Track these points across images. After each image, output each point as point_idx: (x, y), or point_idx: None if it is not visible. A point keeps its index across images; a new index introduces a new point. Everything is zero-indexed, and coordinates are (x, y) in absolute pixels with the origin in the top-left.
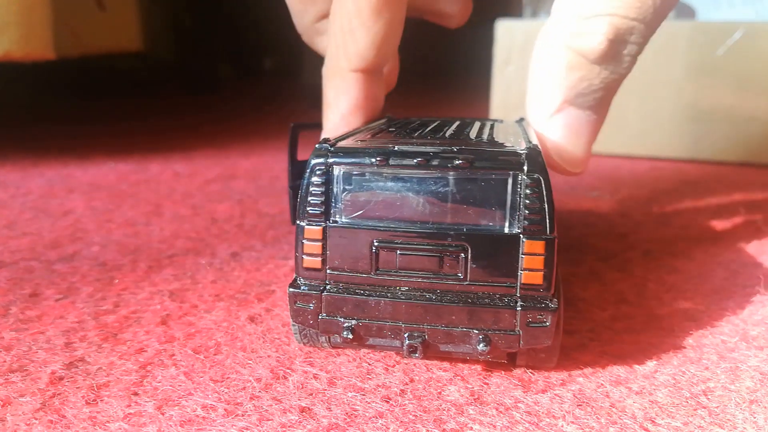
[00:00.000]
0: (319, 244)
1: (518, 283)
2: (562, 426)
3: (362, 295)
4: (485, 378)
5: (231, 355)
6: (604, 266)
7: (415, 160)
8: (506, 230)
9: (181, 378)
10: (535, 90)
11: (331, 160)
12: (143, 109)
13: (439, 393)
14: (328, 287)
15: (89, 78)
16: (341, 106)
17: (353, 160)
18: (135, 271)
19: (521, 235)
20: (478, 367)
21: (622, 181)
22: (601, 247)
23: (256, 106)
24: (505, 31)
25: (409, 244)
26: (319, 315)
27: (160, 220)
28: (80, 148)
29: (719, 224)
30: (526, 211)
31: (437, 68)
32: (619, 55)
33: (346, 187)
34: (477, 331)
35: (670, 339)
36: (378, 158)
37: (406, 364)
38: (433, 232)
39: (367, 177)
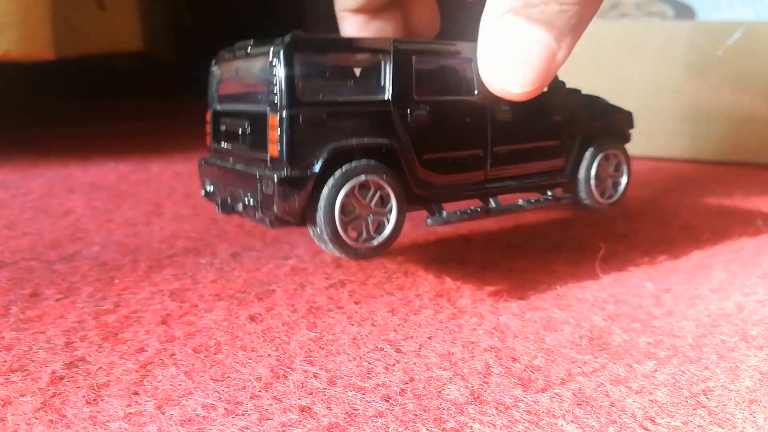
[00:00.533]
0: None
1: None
2: (562, 425)
3: None
4: (485, 377)
5: (231, 355)
6: (603, 266)
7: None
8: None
9: (182, 377)
10: None
11: None
12: (143, 109)
13: (439, 392)
14: None
15: (89, 78)
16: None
17: None
18: (135, 271)
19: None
20: (478, 366)
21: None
22: (601, 247)
23: None
24: None
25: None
26: None
27: (161, 220)
28: (80, 148)
29: (719, 224)
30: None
31: None
32: None
33: None
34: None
35: (669, 339)
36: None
37: (406, 363)
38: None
39: None
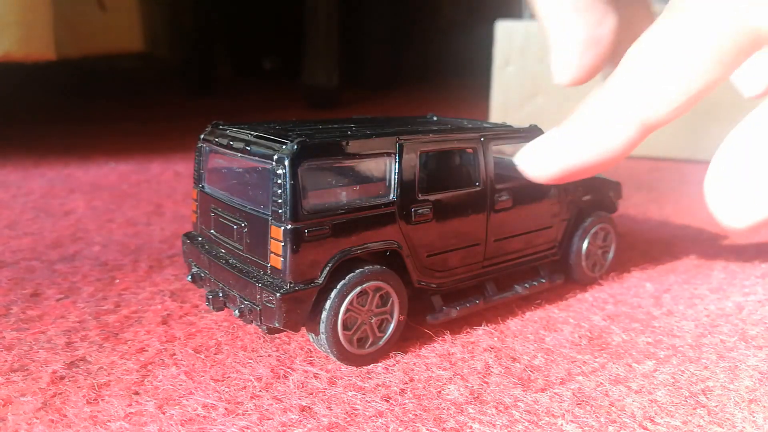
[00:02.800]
0: None
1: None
2: (562, 425)
3: None
4: (485, 377)
5: (231, 355)
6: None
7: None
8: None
9: (182, 377)
10: None
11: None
12: (144, 109)
13: (439, 392)
14: None
15: (90, 78)
16: (592, 145)
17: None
18: (136, 271)
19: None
20: (478, 366)
21: (622, 181)
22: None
23: (256, 106)
24: (505, 31)
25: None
26: None
27: (161, 220)
28: (81, 149)
29: (719, 224)
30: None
31: (438, 68)
32: None
33: None
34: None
35: (669, 339)
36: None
37: (406, 363)
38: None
39: None
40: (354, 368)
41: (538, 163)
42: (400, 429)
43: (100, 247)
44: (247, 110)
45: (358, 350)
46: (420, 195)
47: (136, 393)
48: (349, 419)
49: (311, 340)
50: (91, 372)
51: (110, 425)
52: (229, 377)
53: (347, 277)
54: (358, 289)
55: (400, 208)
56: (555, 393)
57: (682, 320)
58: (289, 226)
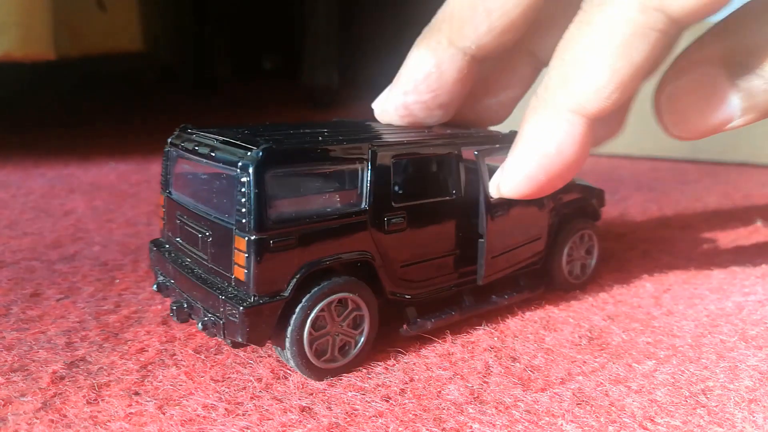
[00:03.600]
0: None
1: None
2: (562, 425)
3: None
4: (485, 377)
5: (232, 355)
6: (602, 266)
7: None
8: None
9: (182, 377)
10: None
11: None
12: (144, 109)
13: (439, 392)
14: None
15: (90, 78)
16: (541, 150)
17: None
18: (136, 271)
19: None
20: (478, 366)
21: (622, 181)
22: (600, 247)
23: (256, 106)
24: None
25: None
26: None
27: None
28: (81, 149)
29: (719, 224)
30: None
31: None
32: None
33: None
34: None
35: (669, 338)
36: None
37: (406, 363)
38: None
39: None
40: (354, 368)
41: (507, 182)
42: (400, 429)
43: (100, 247)
44: (247, 110)
45: (326, 365)
46: (394, 203)
47: (136, 393)
48: (349, 419)
49: (277, 353)
50: (91, 372)
51: (110, 425)
52: (229, 378)
53: (313, 290)
54: (325, 301)
55: (372, 217)
56: (555, 393)
57: (682, 320)
58: (253, 237)
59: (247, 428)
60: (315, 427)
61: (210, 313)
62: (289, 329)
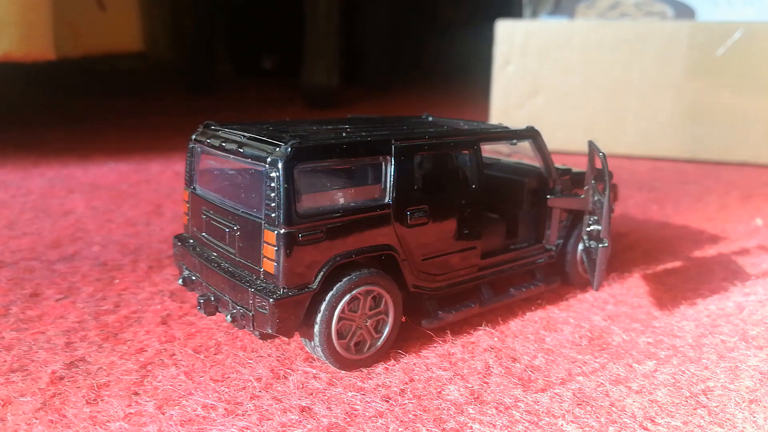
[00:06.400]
0: None
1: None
2: (562, 425)
3: None
4: (485, 377)
5: (231, 355)
6: None
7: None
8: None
9: (182, 378)
10: None
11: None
12: (143, 109)
13: (439, 392)
14: None
15: (89, 78)
16: None
17: None
18: (135, 271)
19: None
20: (478, 366)
21: (622, 181)
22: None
23: (256, 106)
24: (505, 31)
25: None
26: None
27: (161, 220)
28: (81, 148)
29: (719, 224)
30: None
31: (437, 68)
32: None
33: None
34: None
35: (669, 339)
36: None
37: (406, 363)
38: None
39: None
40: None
41: None
42: (400, 429)
43: (100, 247)
44: (247, 110)
45: (354, 356)
46: (417, 197)
47: (136, 393)
48: (349, 420)
49: (305, 346)
50: (90, 372)
51: (110, 425)
52: (228, 377)
53: (342, 281)
54: (351, 293)
55: (395, 211)
56: (555, 393)
57: (683, 320)
58: (282, 230)
59: (247, 428)
60: (315, 427)
61: (239, 305)
62: (317, 320)
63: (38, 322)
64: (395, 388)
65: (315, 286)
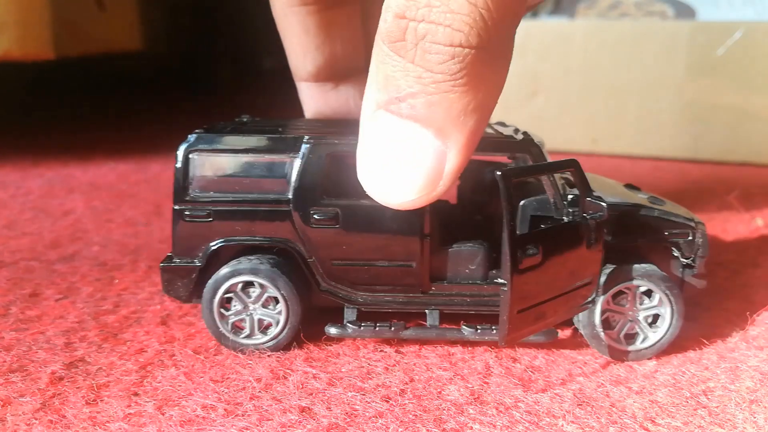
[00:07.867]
0: None
1: None
2: (562, 425)
3: None
4: (485, 377)
5: (231, 356)
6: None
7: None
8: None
9: (181, 378)
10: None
11: None
12: (143, 109)
13: (439, 392)
14: None
15: (89, 77)
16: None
17: None
18: (135, 271)
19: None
20: (479, 366)
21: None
22: None
23: (255, 105)
24: None
25: None
26: None
27: (160, 220)
28: (80, 148)
29: (719, 224)
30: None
31: None
32: (410, 41)
33: None
34: None
35: None
36: None
37: (406, 363)
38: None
39: None
40: (354, 369)
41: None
42: (400, 430)
43: (99, 247)
44: (247, 110)
45: (235, 336)
46: (324, 198)
47: (136, 394)
48: (348, 420)
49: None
50: (90, 373)
51: (109, 426)
52: (228, 378)
53: (230, 264)
54: (238, 279)
55: (297, 207)
56: (556, 394)
57: (683, 320)
58: (174, 207)
59: (247, 429)
60: (315, 427)
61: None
62: (204, 295)
63: (38, 322)
64: (395, 388)
65: (199, 263)
